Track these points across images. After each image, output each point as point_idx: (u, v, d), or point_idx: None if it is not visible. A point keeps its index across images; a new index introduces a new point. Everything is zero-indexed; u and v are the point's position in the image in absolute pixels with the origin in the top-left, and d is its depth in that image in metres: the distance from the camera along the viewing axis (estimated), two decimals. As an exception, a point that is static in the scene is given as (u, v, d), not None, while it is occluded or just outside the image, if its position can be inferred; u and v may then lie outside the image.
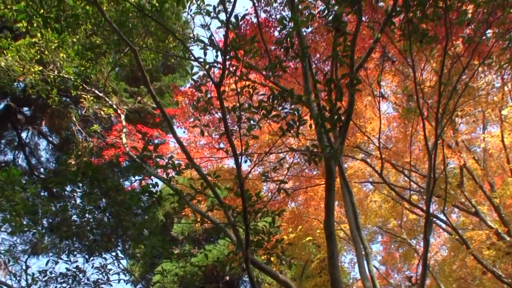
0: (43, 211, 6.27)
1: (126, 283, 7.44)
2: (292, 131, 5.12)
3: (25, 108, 15.32)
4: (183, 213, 5.57)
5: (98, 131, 11.56)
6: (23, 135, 15.94)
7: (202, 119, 10.35)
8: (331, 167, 5.85)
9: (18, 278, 7.02)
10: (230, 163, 13.40)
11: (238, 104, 5.03)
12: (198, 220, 5.82)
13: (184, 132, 12.09)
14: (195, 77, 5.67)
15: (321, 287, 16.66)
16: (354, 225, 7.98)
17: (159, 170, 6.43)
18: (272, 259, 6.87)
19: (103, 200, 6.48)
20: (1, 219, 6.01)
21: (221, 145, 11.82)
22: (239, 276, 17.52)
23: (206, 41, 5.14)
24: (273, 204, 12.40)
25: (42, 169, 15.29)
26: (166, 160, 5.30)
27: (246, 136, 5.25)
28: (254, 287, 5.70)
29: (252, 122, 5.21)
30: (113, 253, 7.33)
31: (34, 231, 6.33)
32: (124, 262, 7.37)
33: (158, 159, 5.50)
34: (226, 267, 6.18)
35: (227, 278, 16.80)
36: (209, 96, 5.42)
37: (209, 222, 6.36)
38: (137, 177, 14.45)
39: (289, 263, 6.72)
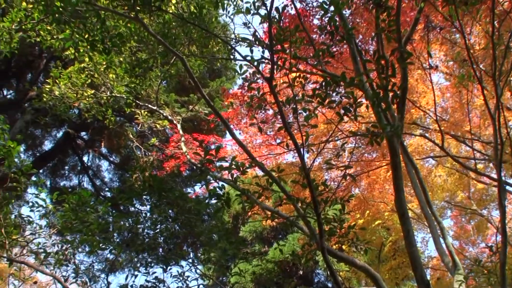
0: (116, 227, 6.43)
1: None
2: (350, 115, 5.07)
3: (83, 133, 15.79)
4: (250, 212, 5.60)
5: (156, 144, 11.78)
6: (85, 159, 16.47)
7: (256, 117, 10.43)
8: (394, 145, 5.76)
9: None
10: (288, 157, 13.42)
11: (291, 96, 5.01)
12: (268, 217, 5.83)
13: (239, 133, 12.19)
14: (244, 76, 5.70)
15: (397, 269, 16.47)
16: (424, 202, 7.81)
17: (223, 173, 6.50)
18: (344, 247, 6.81)
19: (171, 210, 6.60)
20: (78, 240, 6.19)
21: (278, 141, 11.84)
22: (312, 269, 17.49)
23: (250, 38, 5.15)
24: (338, 192, 12.32)
25: (107, 189, 15.76)
26: (229, 162, 5.33)
27: (304, 126, 5.24)
28: (334, 275, 5.65)
29: (308, 112, 5.19)
30: (189, 260, 7.45)
31: (111, 247, 6.48)
32: (200, 267, 7.48)
33: (219, 162, 5.54)
34: (302, 259, 6.14)
35: (301, 272, 16.80)
36: (261, 93, 5.43)
37: (278, 218, 6.36)
38: (200, 184, 14.66)
39: (364, 248, 6.64)
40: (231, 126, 12.14)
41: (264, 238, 17.38)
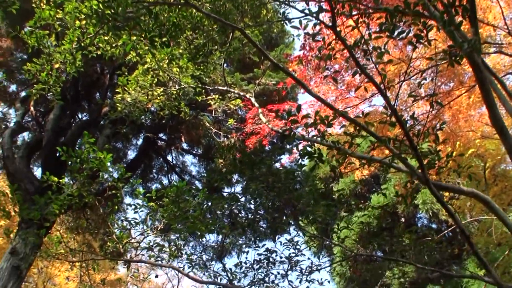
0: (218, 208, 6.56)
1: (311, 250, 7.55)
2: (422, 41, 4.91)
3: (161, 134, 16.17)
4: (343, 167, 5.54)
5: (234, 125, 11.87)
6: (169, 158, 16.88)
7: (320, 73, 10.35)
8: (475, 61, 5.50)
9: (219, 277, 7.37)
10: (364, 107, 13.19)
11: (358, 38, 4.90)
12: (365, 163, 5.74)
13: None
14: (306, 31, 5.60)
15: (501, 194, 15.91)
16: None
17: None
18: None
19: (266, 181, 6.63)
20: (186, 229, 6.34)
21: (352, 93, 11.66)
22: (414, 215, 17.21)
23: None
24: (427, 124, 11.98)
25: (196, 182, 16.11)
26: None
27: (379, 63, 5.12)
28: (444, 204, 5.49)
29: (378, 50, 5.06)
30: (294, 226, 7.50)
31: (219, 228, 6.61)
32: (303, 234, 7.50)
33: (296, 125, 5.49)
34: (406, 198, 6.02)
35: (403, 220, 16.58)
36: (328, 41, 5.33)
37: (374, 164, 6.25)
38: (284, 155, 14.69)
39: (468, 173, 6.42)
40: (302, 91, 12.13)
41: (357, 194, 17.25)
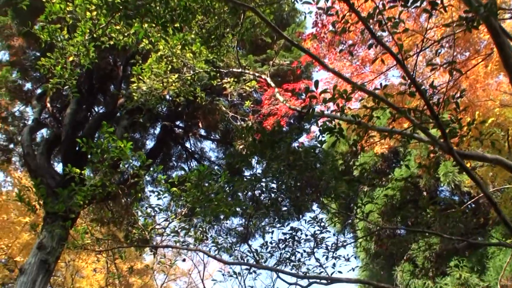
0: (240, 189, 6.57)
1: (334, 227, 7.53)
2: (437, 8, 4.85)
3: (178, 122, 16.21)
4: (364, 141, 5.49)
5: (251, 107, 11.84)
6: (187, 145, 16.92)
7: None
8: (493, 25, 5.41)
9: (245, 258, 7.40)
10: (379, 82, 13.08)
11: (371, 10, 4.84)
12: (386, 135, 5.69)
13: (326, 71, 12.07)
14: (319, 5, 5.54)
15: (526, 161, 15.76)
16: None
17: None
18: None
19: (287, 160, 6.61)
20: (210, 213, 6.36)
21: (367, 69, 11.58)
22: (435, 188, 17.10)
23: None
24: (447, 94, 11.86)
25: (216, 167, 16.12)
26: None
27: (395, 33, 5.06)
28: (469, 172, 5.43)
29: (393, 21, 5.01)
30: (317, 204, 7.49)
31: (243, 208, 6.62)
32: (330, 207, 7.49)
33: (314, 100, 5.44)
34: (430, 170, 5.98)
35: (425, 193, 16.48)
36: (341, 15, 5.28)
37: (395, 136, 6.18)
38: (302, 135, 14.66)
39: (490, 140, 6.35)
40: (317, 68, 12.05)
41: (378, 170, 17.17)
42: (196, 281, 26.16)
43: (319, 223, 7.13)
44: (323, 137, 6.14)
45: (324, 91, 5.42)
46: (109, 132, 6.62)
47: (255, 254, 7.15)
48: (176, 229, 6.65)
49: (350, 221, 18.36)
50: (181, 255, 23.39)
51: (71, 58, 8.33)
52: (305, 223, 7.21)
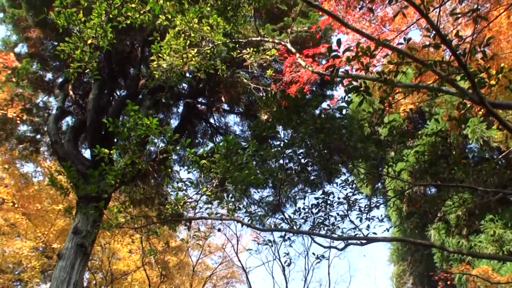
0: (269, 158, 6.55)
1: (364, 192, 7.48)
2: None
3: (200, 99, 16.20)
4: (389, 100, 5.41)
5: (272, 75, 11.74)
6: (211, 121, 16.95)
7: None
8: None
9: (279, 225, 7.42)
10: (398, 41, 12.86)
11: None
12: (413, 89, 5.59)
13: (345, 34, 11.88)
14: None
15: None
16: None
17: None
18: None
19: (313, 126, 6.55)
20: (241, 180, 6.35)
21: (387, 28, 11.41)
22: (463, 145, 16.90)
23: None
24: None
25: (242, 141, 16.04)
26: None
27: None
28: (503, 121, 5.33)
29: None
30: (346, 168, 7.46)
31: (274, 176, 6.61)
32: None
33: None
34: (461, 122, 5.88)
35: (454, 151, 16.30)
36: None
37: (422, 90, 6.08)
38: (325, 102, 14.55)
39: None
40: (336, 31, 11.90)
41: (404, 132, 17.01)
42: (231, 254, 26.45)
43: (350, 185, 7.10)
44: (349, 97, 6.08)
45: (348, 49, 5.35)
46: (134, 110, 6.64)
47: (288, 220, 7.15)
48: (209, 200, 6.68)
49: (380, 184, 18.33)
50: (214, 231, 23.73)
51: (89, 41, 8.34)
52: (337, 186, 7.19)
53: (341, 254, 25.46)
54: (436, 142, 6.59)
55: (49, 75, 16.54)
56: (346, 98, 5.93)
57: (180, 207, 6.63)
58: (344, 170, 8.14)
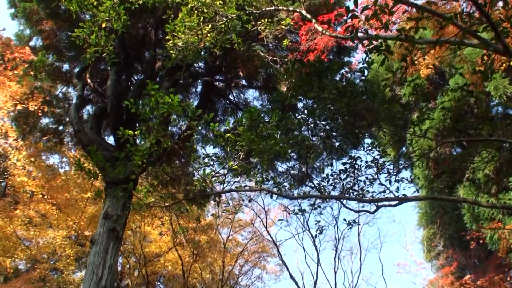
0: (293, 126, 6.52)
1: (388, 157, 7.41)
2: None
3: (218, 76, 16.13)
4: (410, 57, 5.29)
5: (289, 45, 11.63)
6: (231, 97, 16.89)
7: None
8: None
9: (308, 192, 7.41)
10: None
11: None
12: (434, 45, 5.48)
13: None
14: None
15: None
16: None
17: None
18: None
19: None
20: (267, 150, 6.34)
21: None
22: (486, 104, 16.64)
23: None
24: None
25: (263, 115, 15.94)
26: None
27: None
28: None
29: None
30: (371, 131, 7.39)
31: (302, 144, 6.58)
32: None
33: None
34: (487, 74, 5.76)
35: (476, 110, 16.04)
36: None
37: (444, 44, 5.95)
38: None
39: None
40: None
41: (425, 93, 16.79)
42: (260, 229, 26.59)
43: (377, 148, 7.03)
44: (370, 58, 6.00)
45: (366, 8, 5.25)
46: (155, 89, 6.64)
47: (318, 187, 7.14)
48: (237, 171, 6.68)
49: (405, 148, 18.18)
50: (243, 207, 23.86)
51: (104, 25, 8.34)
52: (363, 150, 7.13)
53: (370, 221, 25.56)
54: (462, 97, 6.47)
55: (65, 66, 16.63)
56: (367, 59, 5.85)
57: (208, 182, 6.64)
58: (368, 135, 8.05)
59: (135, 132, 6.90)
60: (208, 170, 6.83)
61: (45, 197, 19.71)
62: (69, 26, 13.88)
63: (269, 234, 25.26)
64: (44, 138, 17.11)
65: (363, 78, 6.19)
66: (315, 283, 24.22)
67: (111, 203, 10.86)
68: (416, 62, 7.33)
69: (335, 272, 24.66)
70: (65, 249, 20.47)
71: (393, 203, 6.30)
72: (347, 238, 38.23)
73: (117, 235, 10.80)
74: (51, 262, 21.46)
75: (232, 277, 27.09)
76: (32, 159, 19.56)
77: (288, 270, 25.01)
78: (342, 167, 7.23)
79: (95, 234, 10.82)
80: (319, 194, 7.21)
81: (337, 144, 7.04)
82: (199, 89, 16.73)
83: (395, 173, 7.26)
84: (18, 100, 16.43)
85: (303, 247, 25.77)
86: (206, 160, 6.81)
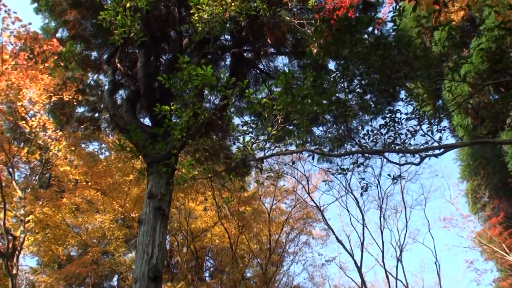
0: (329, 84, 6.45)
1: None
2: None
3: (245, 47, 16.01)
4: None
5: (315, 6, 11.47)
6: (260, 67, 16.74)
7: None
8: None
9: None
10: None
11: None
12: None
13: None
14: None
15: None
16: None
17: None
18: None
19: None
20: (306, 110, 6.29)
21: None
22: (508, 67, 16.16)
23: None
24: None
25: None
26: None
27: None
28: None
29: None
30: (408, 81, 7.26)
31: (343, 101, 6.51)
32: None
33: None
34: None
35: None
36: None
37: None
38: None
39: None
40: None
41: (462, 35, 16.37)
42: (303, 196, 26.59)
43: (416, 98, 6.90)
44: (400, 6, 5.86)
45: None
46: (186, 62, 6.65)
47: (359, 144, 7.07)
48: (276, 136, 6.64)
49: (441, 102, 17.85)
50: (284, 174, 23.88)
51: (128, 4, 8.35)
52: (403, 102, 7.02)
53: (413, 178, 25.28)
54: (499, 37, 6.27)
55: (94, 54, 16.76)
56: (397, 8, 5.72)
57: (249, 149, 6.65)
58: (405, 88, 7.90)
59: (172, 107, 6.93)
60: (247, 138, 6.84)
61: (89, 183, 20.16)
62: (92, 14, 13.96)
63: (312, 200, 25.26)
64: (82, 126, 17.41)
65: (395, 27, 6.06)
66: (362, 244, 24.26)
67: (154, 182, 10.99)
68: (448, 4, 7.14)
69: (382, 232, 24.62)
70: (113, 232, 20.94)
71: (437, 152, 6.20)
72: (391, 197, 37.99)
73: (163, 213, 10.94)
74: (102, 246, 22.03)
75: (279, 245, 27.26)
76: (72, 148, 19.96)
77: (334, 233, 25.10)
78: (382, 121, 7.13)
79: (141, 214, 10.99)
80: (362, 149, 7.15)
81: (373, 100, 6.91)
82: (228, 62, 16.66)
83: (436, 123, 7.12)
84: (52, 92, 16.71)
85: (347, 210, 25.64)
86: (244, 128, 6.81)
